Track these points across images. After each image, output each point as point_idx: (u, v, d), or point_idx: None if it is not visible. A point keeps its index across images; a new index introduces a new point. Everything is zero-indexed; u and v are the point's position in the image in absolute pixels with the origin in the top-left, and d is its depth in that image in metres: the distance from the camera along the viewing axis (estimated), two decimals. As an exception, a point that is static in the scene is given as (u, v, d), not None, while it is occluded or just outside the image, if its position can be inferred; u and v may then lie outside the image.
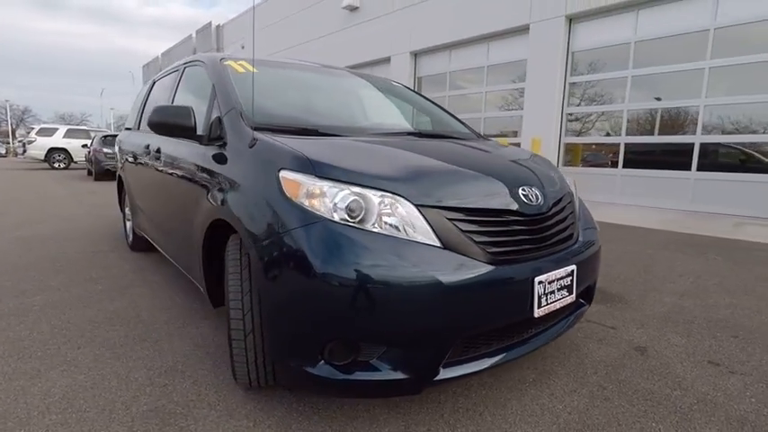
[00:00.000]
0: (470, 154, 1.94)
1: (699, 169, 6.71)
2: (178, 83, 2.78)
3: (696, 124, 6.71)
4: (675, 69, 6.88)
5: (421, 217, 1.41)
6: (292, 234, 1.37)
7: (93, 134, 15.57)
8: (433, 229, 1.41)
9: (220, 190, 1.78)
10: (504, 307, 1.48)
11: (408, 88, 3.11)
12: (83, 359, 1.99)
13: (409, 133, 2.28)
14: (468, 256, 1.41)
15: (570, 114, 8.43)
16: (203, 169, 1.97)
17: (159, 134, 2.13)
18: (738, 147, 6.54)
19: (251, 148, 1.69)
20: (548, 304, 1.59)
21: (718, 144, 6.64)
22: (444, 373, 1.43)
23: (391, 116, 2.72)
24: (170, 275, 3.26)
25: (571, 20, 8.09)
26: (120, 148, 4.05)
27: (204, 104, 2.18)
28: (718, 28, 6.40)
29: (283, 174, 1.49)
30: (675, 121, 7.09)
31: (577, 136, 8.45)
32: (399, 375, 1.37)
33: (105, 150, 11.52)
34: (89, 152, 12.95)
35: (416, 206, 1.42)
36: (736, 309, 2.74)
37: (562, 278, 1.64)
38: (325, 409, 1.64)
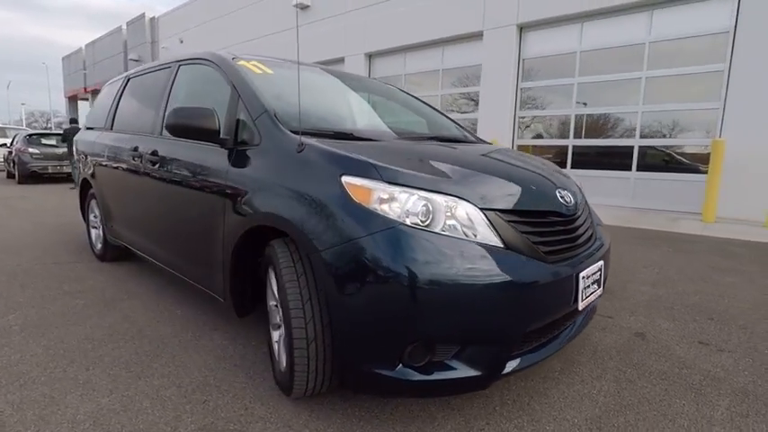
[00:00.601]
0: (505, 159, 2.03)
1: (638, 169, 7.41)
2: (172, 82, 2.62)
3: (635, 129, 7.40)
4: (617, 78, 7.53)
5: (485, 219, 1.48)
6: (369, 239, 1.37)
7: (10, 132, 13.96)
8: (497, 231, 1.48)
9: (260, 195, 1.72)
10: (558, 301, 1.58)
11: (404, 92, 3.16)
12: (98, 380, 1.83)
13: (430, 137, 2.34)
14: (528, 256, 1.49)
15: (522, 118, 8.93)
16: (231, 174, 1.89)
17: (177, 137, 2.01)
18: (662, 149, 7.31)
19: (299, 152, 1.66)
20: (587, 297, 1.72)
21: (648, 147, 7.36)
22: (509, 367, 1.50)
23: (406, 120, 2.75)
24: (157, 285, 3.06)
25: (522, 28, 8.56)
26: (83, 150, 3.71)
27: (220, 106, 2.08)
28: (653, 42, 7.10)
29: (347, 179, 1.48)
30: (616, 125, 7.75)
31: (530, 138, 8.96)
32: (472, 372, 1.42)
33: (32, 150, 10.39)
34: (10, 152, 11.61)
35: (480, 209, 1.49)
36: (702, 295, 3.09)
37: (595, 273, 1.78)
38: (381, 411, 1.65)
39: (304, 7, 12.48)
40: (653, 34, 7.10)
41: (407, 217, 1.41)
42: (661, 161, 7.39)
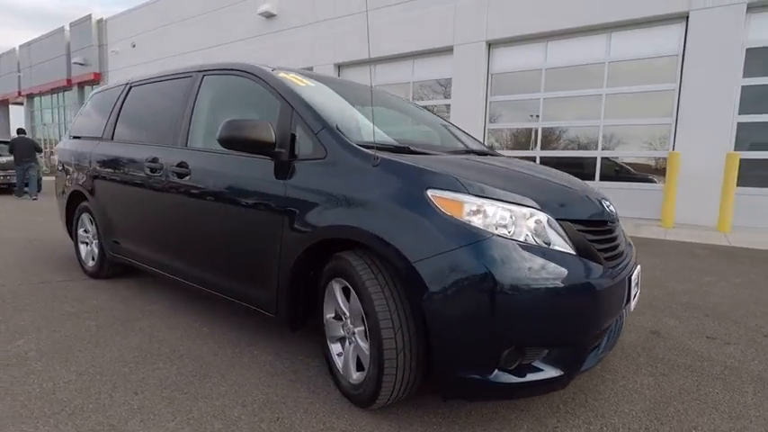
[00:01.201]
0: (544, 171, 2.16)
1: (601, 179, 7.95)
2: (197, 92, 2.54)
3: (598, 141, 7.95)
4: (580, 94, 8.08)
5: (560, 229, 1.58)
6: (466, 251, 1.43)
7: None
8: (570, 240, 1.59)
9: (332, 208, 1.73)
10: (619, 303, 1.72)
11: (413, 103, 3.25)
12: (154, 405, 1.75)
13: (467, 151, 2.44)
14: (596, 262, 1.61)
15: (492, 130, 9.32)
16: (291, 187, 1.88)
17: (230, 149, 1.97)
18: (614, 160, 7.91)
19: (375, 166, 1.69)
20: (633, 298, 1.87)
21: (604, 158, 7.93)
22: (584, 365, 1.61)
23: (440, 134, 2.81)
24: (169, 303, 2.92)
25: (490, 45, 8.97)
26: (71, 160, 3.49)
27: (264, 118, 2.05)
28: (611, 62, 7.70)
29: (434, 193, 1.54)
30: (582, 138, 8.29)
31: (500, 150, 9.36)
32: (556, 372, 1.51)
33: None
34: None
35: (557, 220, 1.59)
36: (691, 294, 3.39)
37: (637, 276, 1.94)
38: (456, 416, 1.70)
39: (270, 16, 12.35)
40: (612, 54, 7.70)
41: (497, 228, 1.49)
42: (612, 171, 8.00)
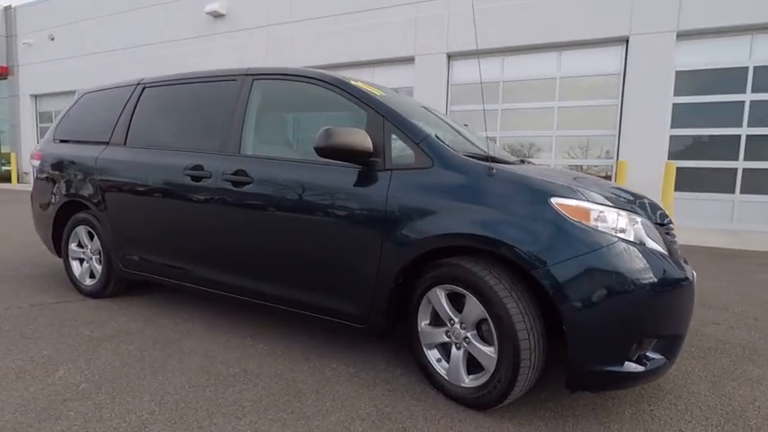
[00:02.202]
0: (597, 179, 2.37)
1: (554, 185, 8.61)
2: (248, 97, 2.42)
3: (551, 150, 8.63)
4: (535, 106, 8.71)
5: (656, 232, 1.77)
6: (600, 253, 1.56)
7: None
8: (663, 241, 1.78)
9: (447, 216, 1.77)
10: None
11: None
12: (269, 428, 1.65)
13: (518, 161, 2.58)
14: (678, 261, 1.82)
15: (451, 138, 9.70)
16: (393, 196, 1.88)
17: (326, 158, 1.92)
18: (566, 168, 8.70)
19: (490, 176, 1.76)
20: (692, 293, 2.13)
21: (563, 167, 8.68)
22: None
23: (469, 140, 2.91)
24: (204, 319, 2.72)
25: (450, 57, 9.37)
26: (70, 167, 3.12)
27: (342, 126, 2.04)
28: (562, 77, 8.42)
29: (559, 201, 1.65)
30: (535, 146, 8.93)
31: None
32: (663, 360, 1.69)
33: None
34: None
35: (654, 224, 1.78)
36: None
37: (689, 272, 2.20)
38: (561, 408, 1.81)
39: (218, 16, 11.82)
40: (562, 71, 8.41)
41: (617, 232, 1.63)
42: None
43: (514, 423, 1.72)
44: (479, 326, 1.77)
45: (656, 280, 1.59)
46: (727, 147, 7.37)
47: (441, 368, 1.91)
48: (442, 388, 1.89)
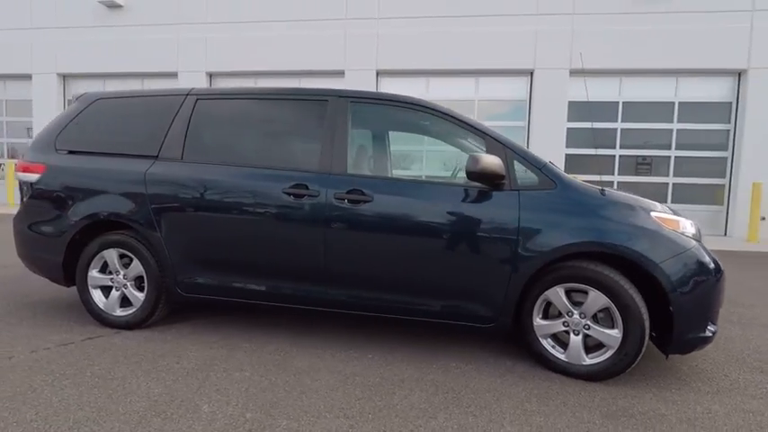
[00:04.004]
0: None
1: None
2: (348, 119, 2.52)
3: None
4: (457, 124, 9.69)
5: (699, 234, 2.46)
6: (691, 252, 2.15)
7: None
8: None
9: (576, 228, 2.19)
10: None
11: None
12: (468, 422, 1.87)
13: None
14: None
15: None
16: (525, 213, 2.24)
17: (473, 180, 2.19)
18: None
19: (603, 195, 2.25)
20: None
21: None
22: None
23: None
24: (288, 336, 2.67)
25: (378, 73, 9.87)
26: (99, 183, 2.74)
27: (450, 152, 2.36)
28: (480, 100, 9.57)
29: (657, 214, 2.21)
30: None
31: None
32: (716, 328, 2.35)
33: None
34: None
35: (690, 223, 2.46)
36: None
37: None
38: (642, 373, 2.37)
39: (114, 6, 10.47)
40: (479, 94, 9.57)
41: (693, 237, 2.26)
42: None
43: (626, 386, 2.21)
44: (595, 315, 2.24)
45: (715, 268, 2.24)
46: (607, 164, 9.23)
47: (557, 353, 2.32)
48: (564, 370, 2.29)
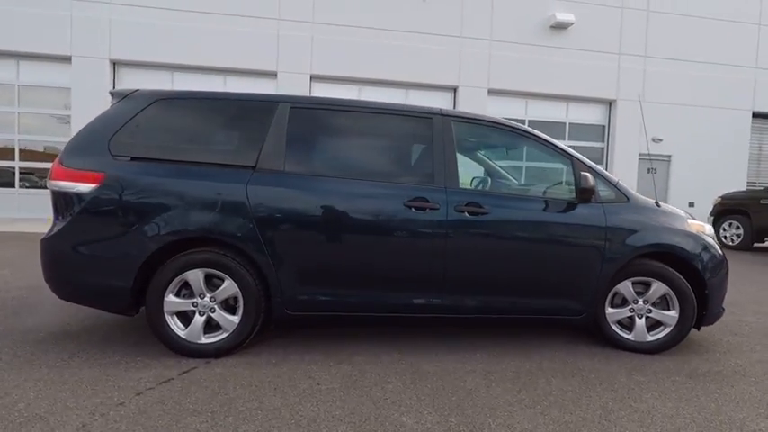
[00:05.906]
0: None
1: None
2: (453, 137, 2.72)
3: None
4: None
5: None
6: (714, 249, 2.88)
7: None
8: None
9: (646, 233, 2.76)
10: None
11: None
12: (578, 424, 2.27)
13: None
14: None
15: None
16: (611, 222, 2.73)
17: (583, 197, 2.62)
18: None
19: (659, 207, 2.87)
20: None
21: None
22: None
23: None
24: (377, 348, 2.73)
25: (312, 78, 9.78)
26: (186, 197, 2.42)
27: (542, 170, 2.79)
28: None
29: (690, 221, 2.92)
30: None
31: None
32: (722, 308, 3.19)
33: None
34: None
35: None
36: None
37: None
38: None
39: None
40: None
41: (713, 237, 3.02)
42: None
43: (666, 355, 2.86)
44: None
45: (724, 259, 3.03)
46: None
47: (624, 334, 2.88)
48: (632, 347, 2.84)
